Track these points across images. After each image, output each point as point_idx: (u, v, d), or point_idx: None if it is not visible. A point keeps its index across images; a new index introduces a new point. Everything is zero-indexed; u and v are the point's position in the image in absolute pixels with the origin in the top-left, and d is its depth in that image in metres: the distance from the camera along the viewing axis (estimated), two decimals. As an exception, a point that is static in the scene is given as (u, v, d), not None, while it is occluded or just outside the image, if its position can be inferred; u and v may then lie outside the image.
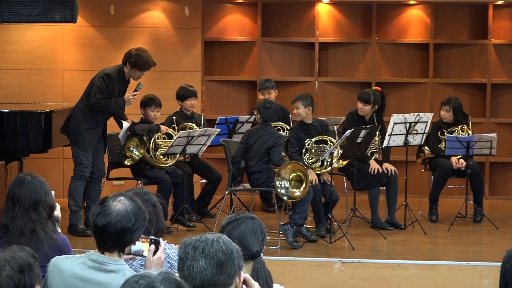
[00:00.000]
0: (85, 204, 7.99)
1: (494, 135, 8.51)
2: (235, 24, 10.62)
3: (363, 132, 7.65)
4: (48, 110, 8.18)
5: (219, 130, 8.39)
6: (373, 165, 8.22)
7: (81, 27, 9.85)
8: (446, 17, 10.65)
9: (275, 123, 8.61)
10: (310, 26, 10.58)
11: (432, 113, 8.54)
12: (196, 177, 8.78)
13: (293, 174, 7.43)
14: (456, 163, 8.54)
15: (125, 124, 8.00)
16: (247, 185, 8.06)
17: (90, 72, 8.08)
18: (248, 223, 3.36)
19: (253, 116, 8.66)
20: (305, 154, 7.90)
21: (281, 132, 8.32)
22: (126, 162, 8.12)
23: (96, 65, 8.89)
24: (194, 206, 8.49)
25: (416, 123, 8.26)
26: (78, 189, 7.77)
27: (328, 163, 7.77)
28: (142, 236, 3.60)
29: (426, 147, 8.77)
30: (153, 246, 3.65)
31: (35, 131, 8.04)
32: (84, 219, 7.80)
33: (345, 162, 8.06)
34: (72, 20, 7.67)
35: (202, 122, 8.53)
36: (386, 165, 8.28)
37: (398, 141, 8.26)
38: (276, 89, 9.04)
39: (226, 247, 2.80)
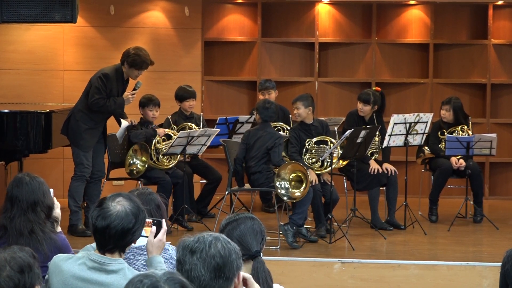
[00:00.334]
0: (85, 205, 7.99)
1: (494, 135, 8.50)
2: (235, 24, 10.62)
3: (363, 133, 7.65)
4: (48, 110, 8.18)
5: (219, 130, 8.38)
6: (373, 166, 8.22)
7: (81, 27, 9.85)
8: (446, 17, 10.65)
9: (275, 123, 8.62)
10: (310, 26, 10.58)
11: (432, 113, 8.54)
12: (196, 177, 8.78)
13: (293, 175, 7.43)
14: (456, 163, 8.54)
15: (124, 123, 7.99)
16: (247, 185, 8.06)
17: (90, 72, 8.08)
18: (248, 223, 3.36)
19: (253, 117, 8.66)
20: (305, 155, 7.90)
21: (281, 133, 8.32)
22: (135, 173, 8.09)
23: (96, 65, 8.88)
24: (194, 206, 8.49)
25: (416, 123, 8.26)
26: (78, 189, 7.77)
27: (328, 163, 7.77)
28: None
29: (426, 147, 8.77)
30: (154, 228, 3.63)
31: (35, 131, 8.03)
32: (84, 219, 7.80)
33: (345, 163, 8.06)
34: (72, 20, 7.67)
35: (201, 123, 8.53)
36: (386, 165, 8.28)
37: (398, 141, 8.26)
38: (276, 90, 9.04)
39: (224, 250, 2.78)
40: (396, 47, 10.67)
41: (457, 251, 7.48)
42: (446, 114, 8.77)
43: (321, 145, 7.92)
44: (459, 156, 8.55)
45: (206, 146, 8.10)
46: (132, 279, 2.48)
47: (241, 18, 10.61)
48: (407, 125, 8.21)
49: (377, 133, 8.21)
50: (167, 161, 8.16)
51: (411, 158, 8.82)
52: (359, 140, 7.68)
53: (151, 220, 3.65)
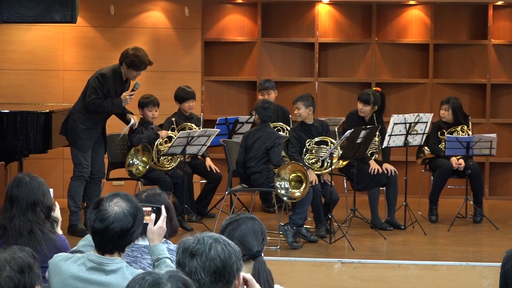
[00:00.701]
0: (85, 205, 7.99)
1: (494, 135, 8.50)
2: (235, 25, 10.62)
3: (363, 133, 7.65)
4: (48, 111, 8.18)
5: (219, 130, 8.38)
6: (373, 166, 8.22)
7: (81, 28, 9.85)
8: (446, 18, 10.65)
9: (275, 123, 8.62)
10: (310, 27, 10.58)
11: (432, 114, 8.54)
12: (196, 177, 8.78)
13: (293, 175, 7.43)
14: (456, 163, 8.54)
15: (132, 121, 7.93)
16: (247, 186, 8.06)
17: (90, 73, 8.08)
18: (249, 224, 3.36)
19: (253, 117, 8.66)
20: (305, 155, 7.90)
21: (281, 133, 8.32)
22: (136, 175, 8.09)
23: (96, 65, 8.87)
24: (194, 206, 8.49)
25: (416, 123, 8.26)
26: (77, 189, 7.76)
27: (328, 163, 7.77)
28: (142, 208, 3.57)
29: (426, 148, 8.77)
30: (153, 216, 3.62)
31: (35, 132, 8.03)
32: (84, 219, 7.79)
33: (345, 163, 8.06)
34: (72, 20, 7.66)
35: (201, 124, 8.53)
36: (386, 166, 8.28)
37: (398, 141, 8.26)
38: (275, 90, 9.03)
39: (224, 253, 2.77)
40: (396, 47, 10.67)
41: (457, 251, 7.48)
42: (445, 113, 8.77)
43: (321, 145, 7.92)
44: (459, 156, 8.55)
45: (206, 147, 8.10)
46: (135, 277, 2.49)
47: (241, 18, 10.61)
48: (407, 125, 8.21)
49: (377, 133, 8.21)
50: (168, 163, 8.15)
51: (411, 158, 8.82)
52: (359, 140, 7.68)
53: (150, 208, 3.63)
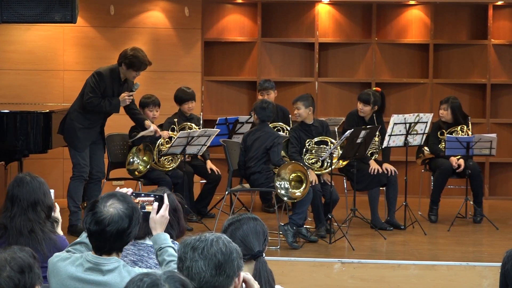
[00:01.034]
0: (85, 205, 7.98)
1: (494, 135, 8.51)
2: (235, 25, 10.62)
3: (363, 133, 7.65)
4: (48, 111, 8.18)
5: (219, 130, 8.38)
6: (373, 166, 8.22)
7: (81, 28, 9.85)
8: (446, 18, 10.65)
9: (275, 123, 8.62)
10: (310, 27, 10.58)
11: (432, 114, 8.54)
12: (196, 177, 8.77)
13: (293, 175, 7.43)
14: (455, 163, 8.54)
15: (151, 128, 7.91)
16: (247, 186, 8.06)
17: (90, 73, 8.06)
18: (251, 224, 3.37)
19: (252, 117, 8.66)
20: (305, 155, 7.90)
21: (280, 133, 8.32)
22: (136, 174, 8.09)
23: (96, 65, 8.86)
24: (194, 206, 8.49)
25: (416, 123, 8.26)
26: (77, 189, 7.76)
27: (328, 163, 7.77)
28: (144, 197, 3.55)
29: (425, 148, 8.77)
30: (156, 205, 3.61)
31: (35, 132, 8.03)
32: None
33: (345, 163, 8.06)
34: (72, 20, 7.66)
35: (200, 125, 8.52)
36: (386, 166, 8.29)
37: (398, 141, 8.26)
38: (275, 90, 9.03)
39: (226, 248, 2.79)
40: (396, 47, 10.67)
41: (457, 251, 7.48)
42: (444, 113, 8.77)
43: (321, 145, 7.92)
44: (459, 156, 8.55)
45: (206, 147, 8.10)
46: (133, 278, 2.50)
47: (241, 18, 10.61)
48: (407, 125, 8.21)
49: (377, 133, 8.21)
50: (168, 163, 8.15)
51: (411, 158, 8.82)
52: (359, 140, 7.68)
53: (152, 198, 3.63)
